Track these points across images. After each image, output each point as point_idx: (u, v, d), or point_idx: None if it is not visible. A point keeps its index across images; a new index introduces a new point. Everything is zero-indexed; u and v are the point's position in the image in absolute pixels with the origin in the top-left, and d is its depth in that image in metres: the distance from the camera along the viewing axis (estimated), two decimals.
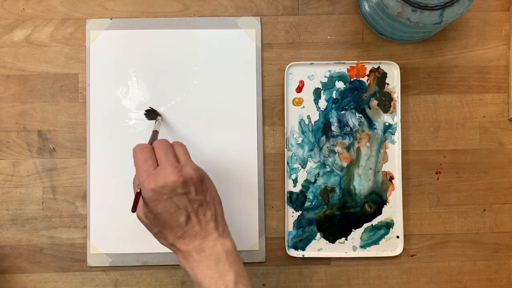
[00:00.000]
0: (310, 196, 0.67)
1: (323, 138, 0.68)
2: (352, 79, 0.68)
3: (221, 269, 0.51)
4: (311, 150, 0.68)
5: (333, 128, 0.68)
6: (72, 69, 0.68)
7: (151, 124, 0.67)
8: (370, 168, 0.68)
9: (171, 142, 0.55)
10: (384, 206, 0.68)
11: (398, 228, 0.67)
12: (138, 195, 0.52)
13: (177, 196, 0.51)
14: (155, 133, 0.60)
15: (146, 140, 0.56)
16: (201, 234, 0.52)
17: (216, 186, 0.65)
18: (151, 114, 0.65)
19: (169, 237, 0.53)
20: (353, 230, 0.68)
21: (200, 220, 0.52)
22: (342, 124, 0.68)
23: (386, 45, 0.69)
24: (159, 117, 0.65)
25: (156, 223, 0.52)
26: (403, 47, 0.69)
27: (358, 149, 0.68)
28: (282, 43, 0.69)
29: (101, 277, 0.67)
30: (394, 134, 0.68)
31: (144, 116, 0.65)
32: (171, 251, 0.54)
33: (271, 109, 0.69)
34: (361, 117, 0.68)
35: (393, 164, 0.68)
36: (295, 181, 0.68)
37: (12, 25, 0.68)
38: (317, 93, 0.68)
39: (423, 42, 0.69)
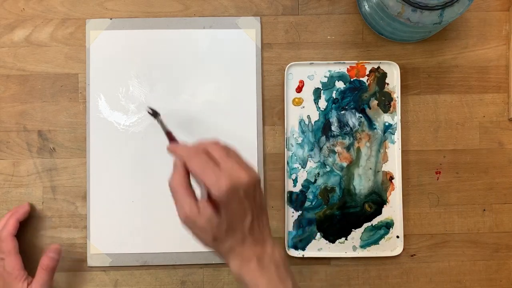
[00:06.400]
0: (310, 196, 0.67)
1: (323, 138, 0.68)
2: (352, 79, 0.68)
3: (281, 275, 0.49)
4: (311, 150, 0.68)
5: (333, 128, 0.68)
6: (72, 69, 0.68)
7: (150, 124, 0.67)
8: (370, 168, 0.68)
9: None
10: (384, 206, 0.68)
11: (398, 228, 0.67)
12: (208, 199, 0.48)
13: (248, 197, 0.48)
14: (170, 135, 0.58)
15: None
16: (261, 240, 0.50)
17: None
18: (153, 114, 0.64)
19: (227, 242, 0.49)
20: (353, 230, 0.68)
21: (259, 224, 0.50)
22: (342, 124, 0.68)
23: (386, 45, 0.69)
24: (159, 116, 0.63)
25: (220, 226, 0.48)
26: (403, 47, 0.69)
27: (358, 149, 0.68)
28: (282, 43, 0.69)
29: (101, 277, 0.67)
30: (394, 134, 0.68)
31: (149, 115, 0.64)
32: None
33: (271, 109, 0.69)
34: (361, 117, 0.68)
35: (393, 164, 0.68)
36: (295, 181, 0.68)
37: (12, 25, 0.68)
38: (317, 93, 0.68)
39: (423, 42, 0.69)
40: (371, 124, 0.68)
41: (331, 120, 0.68)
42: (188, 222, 0.49)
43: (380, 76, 0.68)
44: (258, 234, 0.50)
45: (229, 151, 0.50)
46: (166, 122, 0.69)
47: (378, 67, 0.68)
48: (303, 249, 0.67)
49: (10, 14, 0.68)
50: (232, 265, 0.50)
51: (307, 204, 0.67)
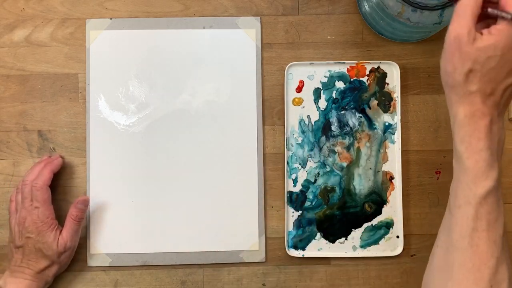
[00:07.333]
0: (310, 196, 0.67)
1: (323, 138, 0.68)
2: (352, 79, 0.68)
3: (496, 155, 0.48)
4: (311, 150, 0.68)
5: (333, 128, 0.68)
6: (72, 69, 0.68)
7: (150, 124, 0.67)
8: (370, 168, 0.68)
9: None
10: (384, 206, 0.68)
11: (398, 228, 0.67)
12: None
13: None
14: None
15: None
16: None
17: (216, 186, 0.64)
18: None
19: (478, 85, 0.45)
20: (353, 230, 0.68)
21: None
22: (342, 124, 0.68)
23: (386, 45, 0.69)
24: None
25: (489, 62, 0.44)
26: (403, 47, 0.69)
27: (358, 149, 0.68)
28: (282, 43, 0.69)
29: (101, 277, 0.67)
30: (394, 134, 0.68)
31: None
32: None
33: (271, 109, 0.69)
34: (361, 117, 0.68)
35: (393, 164, 0.68)
36: (295, 181, 0.68)
37: (12, 25, 0.68)
38: (317, 93, 0.68)
39: (423, 42, 0.69)
40: (371, 124, 0.68)
41: (331, 120, 0.68)
42: (456, 42, 0.44)
43: (380, 76, 0.68)
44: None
45: None
46: (164, 122, 0.69)
47: (378, 67, 0.68)
48: (303, 249, 0.67)
49: (10, 14, 0.68)
50: (459, 110, 0.48)
51: (307, 204, 0.67)
